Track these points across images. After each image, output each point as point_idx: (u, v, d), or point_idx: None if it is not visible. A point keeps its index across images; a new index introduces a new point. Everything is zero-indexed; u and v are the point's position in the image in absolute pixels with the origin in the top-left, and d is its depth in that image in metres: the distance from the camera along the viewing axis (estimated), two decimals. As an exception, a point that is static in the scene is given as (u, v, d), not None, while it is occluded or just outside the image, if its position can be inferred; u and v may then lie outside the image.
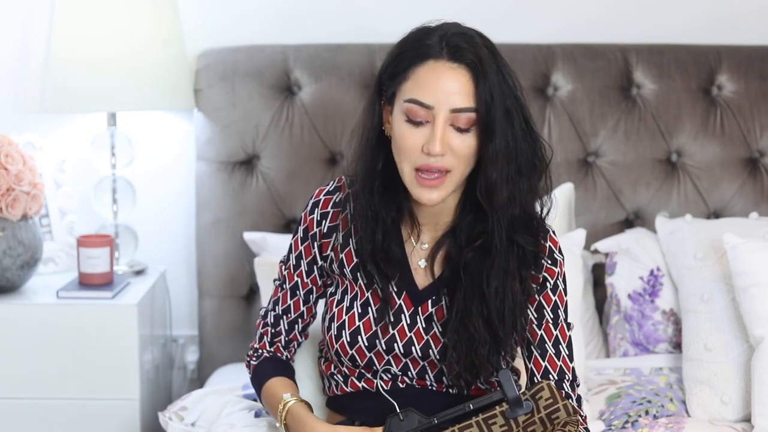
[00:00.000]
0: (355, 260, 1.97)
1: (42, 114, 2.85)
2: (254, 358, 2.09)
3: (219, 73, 2.87)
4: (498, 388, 1.87)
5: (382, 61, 1.93)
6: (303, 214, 2.02)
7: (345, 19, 2.99)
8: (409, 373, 1.97)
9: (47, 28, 2.72)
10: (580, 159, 2.89)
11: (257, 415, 2.17)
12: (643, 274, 2.70)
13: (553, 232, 1.96)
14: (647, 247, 2.72)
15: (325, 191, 2.02)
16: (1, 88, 2.97)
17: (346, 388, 2.02)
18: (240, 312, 2.91)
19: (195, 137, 2.92)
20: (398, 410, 1.89)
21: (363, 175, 1.92)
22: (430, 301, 1.95)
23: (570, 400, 1.90)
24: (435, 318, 1.95)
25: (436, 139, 1.81)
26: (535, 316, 1.94)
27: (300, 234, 2.02)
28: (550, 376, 1.93)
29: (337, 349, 1.98)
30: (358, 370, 2.00)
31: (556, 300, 1.95)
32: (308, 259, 2.02)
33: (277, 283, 2.07)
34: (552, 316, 1.94)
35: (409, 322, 1.95)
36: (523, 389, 1.88)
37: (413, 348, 1.95)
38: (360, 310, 1.96)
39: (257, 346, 2.10)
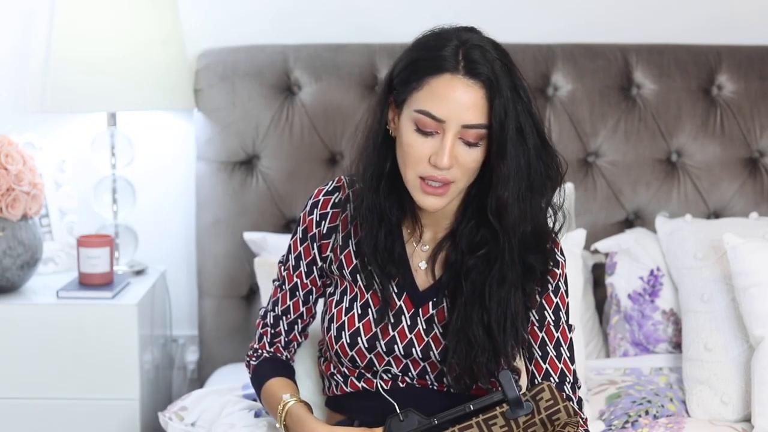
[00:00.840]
0: (355, 261, 1.97)
1: (42, 114, 2.85)
2: (254, 359, 2.09)
3: (219, 73, 2.87)
4: (498, 389, 1.87)
5: (393, 60, 1.90)
6: (302, 215, 2.02)
7: (345, 19, 2.99)
8: (410, 373, 1.97)
9: (47, 28, 2.72)
10: (580, 159, 2.89)
11: (257, 415, 2.17)
12: (643, 274, 2.70)
13: (556, 234, 1.96)
14: (647, 247, 2.72)
15: (324, 191, 2.01)
16: (1, 88, 2.97)
17: (345, 388, 2.02)
18: (240, 312, 2.91)
19: (195, 137, 2.92)
20: (398, 411, 1.89)
21: (369, 175, 1.90)
22: (430, 303, 1.95)
23: (571, 402, 1.90)
24: (436, 319, 1.95)
25: (445, 153, 1.79)
26: (537, 317, 1.93)
27: (299, 235, 2.02)
28: (551, 378, 1.92)
29: (336, 350, 1.98)
30: (358, 371, 2.00)
31: (557, 302, 1.94)
32: (308, 260, 2.02)
33: (277, 283, 2.07)
34: (553, 318, 1.94)
35: (409, 323, 1.95)
36: (523, 390, 1.88)
37: (414, 349, 1.94)
38: (360, 312, 1.96)
39: (257, 347, 2.10)
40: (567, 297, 1.96)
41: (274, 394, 2.01)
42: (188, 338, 3.08)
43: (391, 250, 1.93)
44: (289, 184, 2.87)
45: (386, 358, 1.96)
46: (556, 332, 1.94)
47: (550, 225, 1.93)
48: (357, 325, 1.95)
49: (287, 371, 2.07)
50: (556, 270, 1.94)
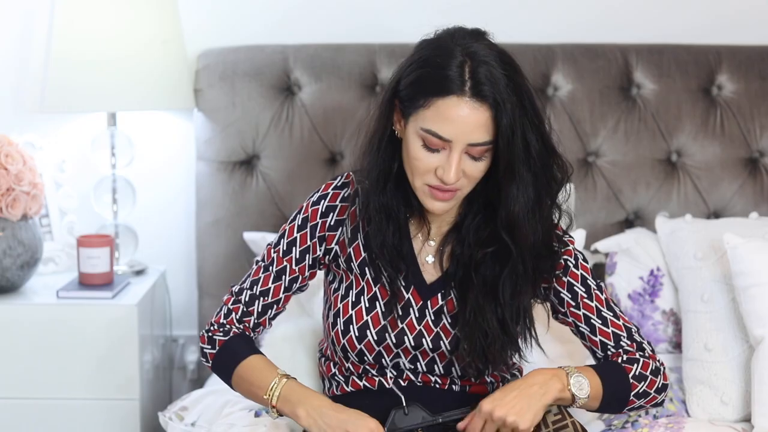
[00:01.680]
0: (364, 254, 1.98)
1: (42, 114, 2.85)
2: (220, 333, 2.00)
3: (219, 73, 2.87)
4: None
5: (394, 60, 1.92)
6: (305, 204, 2.02)
7: (345, 19, 2.99)
8: (418, 365, 1.97)
9: (47, 28, 2.72)
10: (580, 159, 2.89)
11: (257, 414, 2.17)
12: (643, 274, 2.70)
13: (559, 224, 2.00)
14: (647, 247, 2.72)
15: (333, 185, 2.02)
16: (1, 88, 2.97)
17: (346, 388, 2.02)
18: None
19: (195, 137, 2.92)
20: (405, 403, 1.90)
21: (375, 176, 1.92)
22: (439, 295, 1.97)
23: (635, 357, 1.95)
24: (445, 310, 1.97)
25: (452, 169, 1.82)
26: (569, 296, 1.98)
27: (298, 222, 2.02)
28: (609, 346, 1.98)
29: (344, 344, 1.98)
30: (363, 366, 2.00)
31: (581, 273, 1.99)
32: (301, 248, 2.01)
33: (261, 263, 2.04)
34: (584, 289, 1.98)
35: (418, 315, 1.96)
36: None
37: (424, 340, 1.96)
38: (367, 305, 1.97)
39: (224, 321, 2.02)
40: (587, 263, 2.01)
41: (263, 369, 1.95)
42: (188, 338, 3.08)
43: (399, 247, 1.95)
44: (289, 184, 2.87)
45: (395, 351, 1.97)
46: (592, 302, 1.99)
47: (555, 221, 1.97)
48: (365, 318, 1.96)
49: (261, 352, 2.02)
50: (569, 248, 1.98)
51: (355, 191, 1.99)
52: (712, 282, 2.52)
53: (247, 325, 2.03)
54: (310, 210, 2.01)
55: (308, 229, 2.01)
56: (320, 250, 2.01)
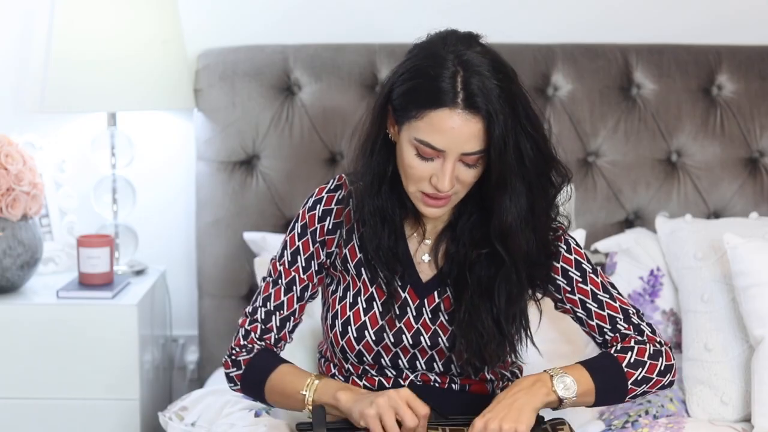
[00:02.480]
0: (359, 255, 1.98)
1: (42, 114, 2.85)
2: (244, 353, 2.01)
3: (219, 73, 2.87)
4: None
5: (392, 61, 1.91)
6: (301, 212, 2.02)
7: (345, 19, 2.99)
8: (417, 363, 1.97)
9: (47, 28, 2.72)
10: (580, 159, 2.89)
11: (257, 414, 2.17)
12: (643, 274, 2.70)
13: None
14: (647, 247, 2.72)
15: (326, 189, 2.02)
16: (1, 88, 2.97)
17: (347, 388, 2.02)
18: (240, 312, 2.90)
19: (195, 137, 2.92)
20: None
21: (369, 180, 1.92)
22: (435, 293, 1.97)
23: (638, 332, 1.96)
24: (442, 308, 1.97)
25: (446, 178, 1.83)
26: (564, 281, 1.98)
27: (297, 230, 2.02)
28: (605, 329, 1.98)
29: (343, 345, 1.98)
30: (362, 367, 2.00)
31: (574, 258, 1.99)
32: (306, 255, 2.02)
33: (269, 279, 2.04)
34: (578, 273, 1.98)
35: (415, 314, 1.96)
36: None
37: (422, 338, 1.96)
38: (365, 305, 1.97)
39: (244, 343, 2.02)
40: (580, 248, 2.00)
41: (295, 374, 1.94)
42: (188, 338, 3.08)
43: (395, 249, 1.95)
44: (289, 184, 2.87)
45: (394, 350, 1.97)
46: (587, 285, 1.98)
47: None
48: (363, 318, 1.96)
49: (289, 361, 2.02)
50: (559, 234, 1.98)
51: (349, 192, 1.99)
52: (712, 282, 2.52)
53: (269, 342, 2.03)
54: (307, 216, 2.01)
55: (309, 236, 2.01)
56: (323, 255, 2.01)
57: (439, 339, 1.96)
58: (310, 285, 2.03)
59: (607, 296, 1.99)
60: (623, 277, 2.71)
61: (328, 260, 2.02)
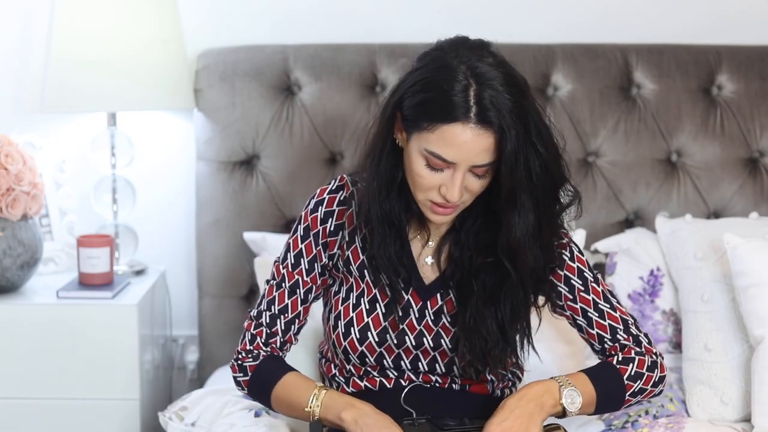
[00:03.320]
0: (362, 257, 1.98)
1: (42, 114, 2.84)
2: (250, 359, 2.02)
3: (219, 73, 2.87)
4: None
5: (393, 60, 1.90)
6: (303, 213, 2.02)
7: (345, 19, 2.99)
8: (420, 364, 1.98)
9: (47, 28, 2.72)
10: (580, 159, 2.89)
11: (257, 414, 2.17)
12: (643, 274, 2.70)
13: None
14: (647, 247, 2.72)
15: (328, 190, 2.02)
16: (1, 88, 2.97)
17: (347, 388, 2.02)
18: (240, 312, 2.90)
19: (195, 137, 2.92)
20: (414, 416, 1.92)
21: (376, 186, 1.91)
22: (438, 295, 1.98)
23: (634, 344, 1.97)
24: (445, 310, 1.98)
25: (456, 189, 1.83)
26: (567, 289, 1.99)
27: (300, 232, 2.02)
28: (605, 339, 1.99)
29: (345, 346, 1.98)
30: (364, 368, 2.00)
31: (577, 266, 1.99)
32: (309, 258, 2.02)
33: (273, 282, 2.04)
34: (581, 282, 1.99)
35: (417, 316, 1.97)
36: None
37: (425, 339, 1.96)
38: (368, 307, 1.97)
39: (250, 347, 2.03)
40: (582, 255, 2.01)
41: (300, 385, 1.95)
42: (188, 338, 3.08)
43: (400, 254, 1.95)
44: (289, 184, 2.87)
45: (396, 351, 1.97)
46: (589, 294, 1.99)
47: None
48: (366, 320, 1.96)
49: (295, 369, 2.03)
50: (563, 241, 1.98)
51: (351, 194, 1.99)
52: (712, 282, 2.52)
53: (275, 346, 2.03)
54: (309, 219, 2.01)
55: (311, 238, 2.01)
56: (325, 257, 2.01)
57: (442, 340, 1.97)
58: (314, 287, 2.03)
59: (608, 306, 2.00)
60: (623, 277, 2.71)
61: (330, 262, 2.01)
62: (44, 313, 2.65)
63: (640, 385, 1.95)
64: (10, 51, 2.96)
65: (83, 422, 2.66)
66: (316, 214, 2.00)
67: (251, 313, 2.06)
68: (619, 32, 2.98)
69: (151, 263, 2.98)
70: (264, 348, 2.02)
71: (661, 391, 2.02)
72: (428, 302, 1.98)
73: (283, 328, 2.03)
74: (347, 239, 1.99)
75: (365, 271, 1.98)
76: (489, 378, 2.02)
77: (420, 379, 1.99)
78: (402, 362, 1.98)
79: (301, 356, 2.27)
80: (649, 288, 2.69)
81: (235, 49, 2.90)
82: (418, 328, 1.97)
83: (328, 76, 2.88)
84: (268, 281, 2.05)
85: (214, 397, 2.31)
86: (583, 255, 2.01)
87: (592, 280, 2.00)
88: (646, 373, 1.96)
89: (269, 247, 2.74)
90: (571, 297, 1.99)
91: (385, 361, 1.98)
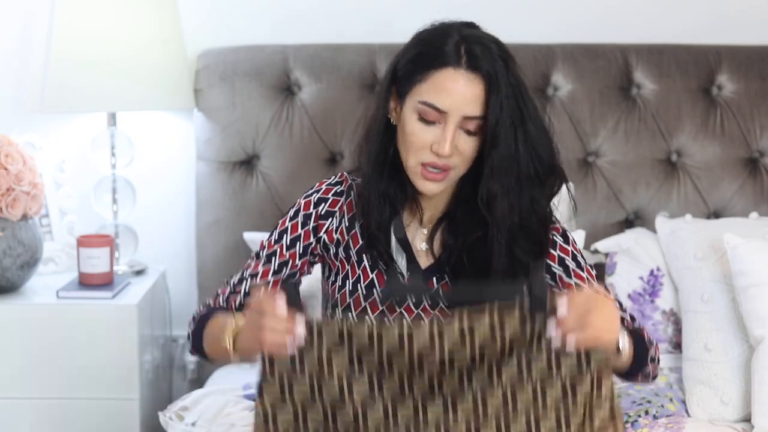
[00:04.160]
0: (362, 242, 1.99)
1: (42, 114, 2.85)
2: (203, 310, 1.99)
3: (219, 73, 2.87)
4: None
5: (396, 54, 1.93)
6: (298, 200, 2.04)
7: (345, 19, 2.99)
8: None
9: (47, 28, 2.72)
10: (580, 159, 2.89)
11: (257, 415, 2.17)
12: (643, 274, 2.70)
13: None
14: (647, 247, 2.72)
15: (327, 182, 2.05)
16: (1, 88, 2.97)
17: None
18: (240, 312, 2.90)
19: (195, 137, 2.92)
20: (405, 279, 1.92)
21: (373, 161, 1.94)
22: (434, 279, 1.98)
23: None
24: (440, 292, 1.97)
25: (447, 141, 1.85)
26: (561, 269, 1.97)
27: (290, 214, 2.03)
28: None
29: None
30: None
31: (571, 250, 1.98)
32: (292, 235, 2.02)
33: (252, 254, 2.05)
34: (575, 263, 1.97)
35: (414, 300, 1.97)
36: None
37: (422, 323, 1.95)
38: (365, 292, 1.98)
39: (209, 302, 2.02)
40: (577, 244, 2.00)
41: (224, 320, 1.89)
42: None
43: (396, 223, 1.96)
44: (289, 184, 2.87)
45: None
46: (584, 273, 1.97)
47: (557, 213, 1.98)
48: (363, 304, 1.97)
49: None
50: (556, 225, 1.97)
51: (349, 186, 2.01)
52: (712, 282, 2.52)
53: (233, 304, 2.01)
54: (302, 202, 2.03)
55: (299, 218, 2.02)
56: (312, 238, 2.02)
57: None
58: (290, 262, 2.02)
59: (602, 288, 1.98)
60: (623, 277, 2.71)
61: (318, 245, 2.02)
62: (44, 313, 2.65)
63: (652, 353, 1.92)
64: (10, 51, 2.96)
65: (83, 422, 2.66)
66: (309, 199, 2.03)
67: (224, 281, 2.06)
68: (619, 32, 2.98)
69: (151, 263, 2.98)
70: (222, 304, 2.01)
71: (655, 377, 1.96)
72: (425, 285, 1.98)
73: (246, 290, 2.01)
74: (347, 224, 2.00)
75: (364, 255, 1.99)
76: None
77: None
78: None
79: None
80: (649, 288, 2.69)
81: (235, 49, 2.90)
82: (416, 311, 1.97)
83: (328, 76, 2.88)
84: (250, 258, 2.06)
85: (214, 397, 2.31)
86: (576, 244, 2.00)
87: (586, 264, 1.99)
88: (654, 344, 1.94)
89: (269, 247, 2.74)
90: (565, 276, 1.97)
91: None
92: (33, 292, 2.75)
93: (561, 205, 2.75)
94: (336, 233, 2.01)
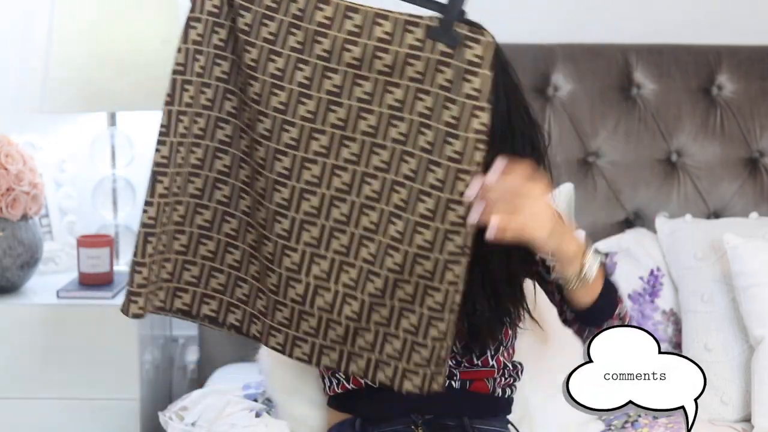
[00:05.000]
0: None
1: (42, 114, 2.84)
2: None
3: (219, 73, 2.87)
4: None
5: None
6: None
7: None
8: None
9: (47, 28, 2.72)
10: (580, 159, 2.89)
11: (258, 415, 2.17)
12: (643, 274, 2.70)
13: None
14: (647, 247, 2.72)
15: None
16: (1, 88, 2.97)
17: (347, 385, 2.01)
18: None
19: (195, 137, 2.92)
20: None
21: None
22: None
23: None
24: None
25: None
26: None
27: None
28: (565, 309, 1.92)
29: None
30: None
31: None
32: None
33: None
34: None
35: None
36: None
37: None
38: None
39: None
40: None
41: None
42: (188, 338, 3.08)
43: None
44: (289, 184, 2.87)
45: None
46: None
47: None
48: None
49: None
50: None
51: None
52: (712, 282, 2.52)
53: None
54: None
55: None
56: None
57: None
58: None
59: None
60: (623, 277, 2.70)
61: None
62: (44, 313, 2.65)
63: (622, 315, 1.90)
64: (10, 51, 2.96)
65: (83, 422, 2.66)
66: None
67: None
68: (619, 32, 2.98)
69: (151, 263, 2.98)
70: None
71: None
72: None
73: None
74: None
75: None
76: (491, 364, 2.00)
77: None
78: None
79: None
80: (649, 288, 2.69)
81: (235, 49, 2.89)
82: None
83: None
84: None
85: (214, 397, 2.31)
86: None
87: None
88: (626, 310, 1.93)
89: (269, 247, 2.74)
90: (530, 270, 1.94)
91: None
92: (33, 292, 2.75)
93: (560, 204, 2.77)
94: None
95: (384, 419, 1.95)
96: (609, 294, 1.87)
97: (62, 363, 2.64)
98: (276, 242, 1.74)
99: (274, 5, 1.70)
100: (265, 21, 1.70)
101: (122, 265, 2.90)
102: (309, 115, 1.70)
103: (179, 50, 1.76)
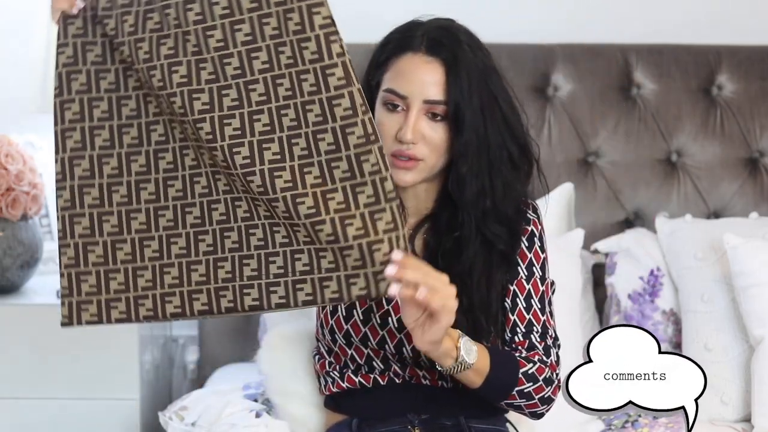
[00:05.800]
0: None
1: (42, 114, 2.84)
2: None
3: (219, 73, 2.87)
4: None
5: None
6: None
7: (344, 19, 2.97)
8: (404, 350, 1.93)
9: (47, 28, 2.72)
10: (580, 159, 2.89)
11: (258, 415, 2.17)
12: (643, 274, 2.70)
13: (527, 196, 1.97)
14: (647, 247, 2.72)
15: None
16: (1, 88, 2.97)
17: (342, 384, 2.01)
18: (240, 312, 2.90)
19: (195, 137, 2.92)
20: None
21: None
22: None
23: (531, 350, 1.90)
24: None
25: (408, 127, 1.85)
26: (510, 273, 1.94)
27: None
28: (517, 329, 1.92)
29: (336, 351, 1.98)
30: (355, 364, 1.98)
31: (531, 257, 1.94)
32: None
33: None
34: (526, 273, 1.94)
35: (396, 326, 1.92)
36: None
37: (404, 348, 1.92)
38: (344, 314, 1.95)
39: None
40: (543, 252, 1.96)
41: None
42: (188, 338, 3.08)
43: None
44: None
45: (381, 333, 1.94)
46: (528, 284, 1.94)
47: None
48: (345, 327, 1.95)
49: None
50: (527, 227, 1.94)
51: None
52: (712, 282, 2.52)
53: None
54: None
55: None
56: None
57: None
58: None
59: (539, 307, 1.94)
60: (623, 277, 2.71)
61: None
62: (44, 313, 2.65)
63: (530, 389, 1.88)
64: (10, 51, 2.96)
65: (83, 422, 2.66)
66: None
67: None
68: (619, 32, 2.98)
69: (151, 263, 2.98)
70: None
71: (542, 415, 1.94)
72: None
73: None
74: None
75: None
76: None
77: (407, 374, 1.96)
78: (386, 346, 1.94)
79: (300, 355, 2.26)
80: (649, 288, 2.69)
81: (235, 49, 2.89)
82: (399, 336, 1.92)
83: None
84: None
85: (214, 398, 2.31)
86: (543, 252, 1.96)
87: (539, 277, 1.95)
88: (541, 382, 1.89)
89: (269, 247, 2.74)
90: (508, 278, 1.94)
91: (369, 342, 1.95)
92: (33, 292, 2.75)
93: (560, 204, 2.77)
94: None
95: (380, 419, 1.95)
96: (500, 376, 1.86)
97: (62, 363, 2.65)
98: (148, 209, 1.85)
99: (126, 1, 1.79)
100: (125, 17, 1.78)
101: (122, 265, 2.90)
102: (184, 80, 1.76)
103: (55, 75, 1.80)
